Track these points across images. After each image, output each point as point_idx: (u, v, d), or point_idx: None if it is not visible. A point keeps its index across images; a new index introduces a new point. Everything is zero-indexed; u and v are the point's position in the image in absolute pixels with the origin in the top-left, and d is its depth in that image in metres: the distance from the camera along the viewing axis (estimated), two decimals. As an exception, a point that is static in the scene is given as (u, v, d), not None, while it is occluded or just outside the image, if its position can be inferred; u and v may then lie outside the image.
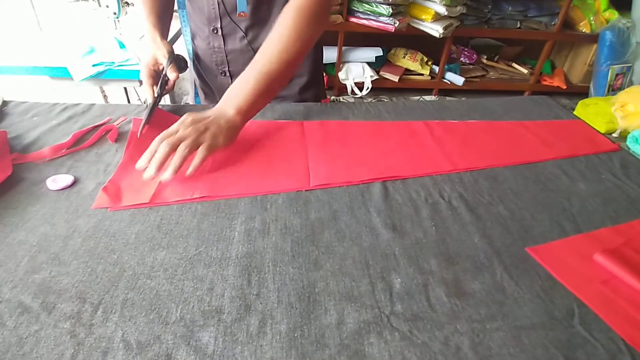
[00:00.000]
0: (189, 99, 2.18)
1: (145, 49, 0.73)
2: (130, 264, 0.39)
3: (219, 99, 0.60)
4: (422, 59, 2.32)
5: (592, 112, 1.94)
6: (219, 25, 0.75)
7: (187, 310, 0.35)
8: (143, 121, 0.60)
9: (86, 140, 0.59)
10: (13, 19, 1.71)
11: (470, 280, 0.40)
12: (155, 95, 0.67)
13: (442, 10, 1.92)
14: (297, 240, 0.43)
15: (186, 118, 0.54)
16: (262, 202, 0.49)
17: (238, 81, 0.59)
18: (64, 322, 0.34)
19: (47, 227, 0.43)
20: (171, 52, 0.71)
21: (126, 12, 1.33)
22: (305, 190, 0.51)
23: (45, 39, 1.33)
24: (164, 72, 0.69)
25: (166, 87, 0.70)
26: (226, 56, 0.79)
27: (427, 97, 2.39)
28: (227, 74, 0.82)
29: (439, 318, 0.36)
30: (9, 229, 0.43)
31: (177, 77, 0.70)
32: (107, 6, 1.25)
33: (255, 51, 0.62)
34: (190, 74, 0.90)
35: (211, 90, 0.89)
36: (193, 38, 0.83)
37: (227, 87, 0.61)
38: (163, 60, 0.70)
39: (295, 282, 0.38)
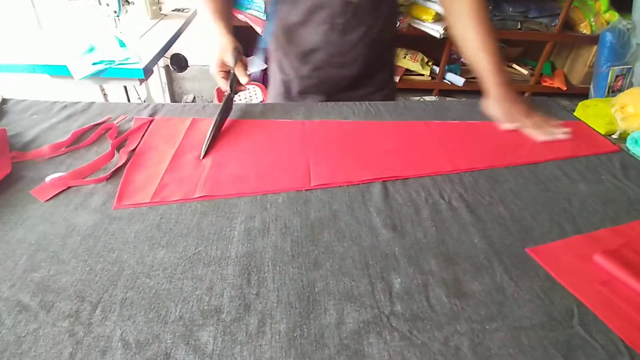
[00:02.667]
0: (189, 98, 2.18)
1: (213, 45, 0.72)
2: (129, 263, 0.39)
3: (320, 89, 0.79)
4: (422, 60, 2.31)
5: (592, 113, 1.93)
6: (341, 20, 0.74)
7: (186, 310, 0.35)
8: (215, 120, 0.61)
9: (86, 138, 0.59)
10: (13, 17, 1.70)
11: (470, 280, 0.40)
12: (227, 93, 0.68)
13: (443, 10, 1.92)
14: (297, 240, 0.43)
15: (525, 112, 0.67)
16: (262, 202, 0.49)
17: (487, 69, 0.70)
18: (62, 320, 0.34)
19: (46, 226, 0.43)
20: (237, 49, 0.71)
21: (126, 11, 1.32)
22: (305, 190, 0.51)
23: (45, 37, 1.32)
24: (232, 71, 0.69)
25: (236, 87, 0.70)
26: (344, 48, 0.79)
27: (428, 98, 2.39)
28: (339, 65, 0.81)
29: (439, 318, 0.36)
30: (7, 227, 0.43)
31: (249, 79, 0.71)
32: (108, 4, 1.24)
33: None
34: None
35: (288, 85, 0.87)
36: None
37: (335, 78, 0.79)
38: (229, 58, 0.70)
39: (295, 282, 0.38)
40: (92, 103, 0.69)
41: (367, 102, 0.74)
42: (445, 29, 1.97)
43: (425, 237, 0.45)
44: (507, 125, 0.67)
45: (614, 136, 1.87)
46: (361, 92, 0.86)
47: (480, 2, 0.71)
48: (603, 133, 1.05)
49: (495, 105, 0.69)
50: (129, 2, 1.33)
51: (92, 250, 0.41)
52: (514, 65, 2.47)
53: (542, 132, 0.65)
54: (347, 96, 0.82)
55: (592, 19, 2.23)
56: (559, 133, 0.65)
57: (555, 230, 0.47)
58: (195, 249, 0.41)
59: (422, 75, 2.35)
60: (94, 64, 1.13)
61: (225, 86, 0.69)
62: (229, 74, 0.70)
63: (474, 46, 0.71)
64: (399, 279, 0.39)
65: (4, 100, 0.67)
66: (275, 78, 0.90)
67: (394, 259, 0.42)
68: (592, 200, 0.52)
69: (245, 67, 0.72)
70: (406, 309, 0.36)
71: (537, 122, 0.66)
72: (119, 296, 0.36)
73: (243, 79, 0.69)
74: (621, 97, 1.93)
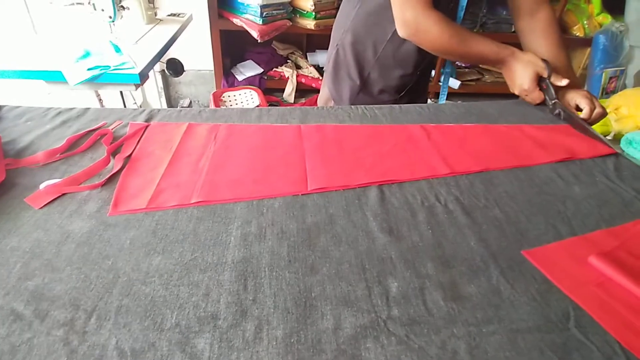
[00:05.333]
0: (185, 103, 2.18)
1: (518, 64, 0.76)
2: (124, 270, 0.39)
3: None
4: (417, 63, 2.33)
5: (586, 114, 1.96)
6: None
7: (182, 317, 0.35)
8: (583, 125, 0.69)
9: (81, 144, 0.58)
10: (8, 23, 1.70)
11: (466, 283, 0.40)
12: (554, 102, 0.73)
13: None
14: (293, 245, 0.43)
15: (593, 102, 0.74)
16: (259, 207, 0.48)
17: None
18: (57, 329, 0.33)
19: (40, 233, 0.43)
20: (544, 60, 0.75)
21: (122, 16, 1.32)
22: (302, 195, 0.51)
23: (41, 43, 1.32)
24: (548, 80, 0.73)
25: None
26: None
27: (423, 100, 2.40)
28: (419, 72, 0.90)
29: (436, 322, 0.36)
30: (1, 235, 0.42)
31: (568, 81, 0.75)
32: (103, 10, 1.24)
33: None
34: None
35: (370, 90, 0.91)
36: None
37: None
38: (542, 69, 0.74)
39: (292, 287, 0.38)
40: (87, 109, 0.68)
41: (362, 106, 0.74)
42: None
43: (421, 241, 0.45)
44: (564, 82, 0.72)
45: (608, 137, 1.89)
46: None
47: (554, 23, 0.80)
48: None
49: (576, 96, 0.75)
50: (124, 8, 1.33)
51: (87, 257, 0.40)
52: (509, 68, 2.49)
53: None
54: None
55: (585, 22, 2.25)
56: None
57: (550, 232, 0.47)
58: (192, 255, 0.41)
59: (418, 78, 2.36)
60: (89, 69, 1.12)
61: (546, 96, 0.74)
62: (542, 85, 0.74)
63: (551, 51, 0.78)
64: (395, 283, 0.39)
65: (-2, 107, 0.67)
66: (349, 76, 0.91)
67: (391, 262, 0.42)
68: (587, 202, 0.52)
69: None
70: (403, 313, 0.36)
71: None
72: (114, 304, 0.36)
73: (563, 82, 0.73)
74: (615, 99, 1.95)
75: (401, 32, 0.75)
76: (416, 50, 0.83)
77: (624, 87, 2.23)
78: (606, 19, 2.22)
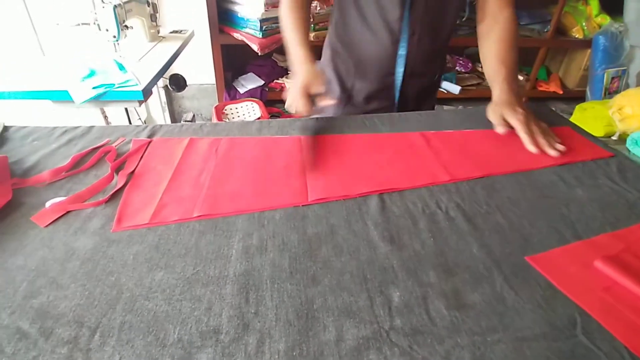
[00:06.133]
0: (188, 117, 2.20)
1: (297, 70, 0.73)
2: (128, 286, 0.39)
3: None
4: (418, 70, 2.34)
5: (589, 115, 1.94)
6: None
7: (184, 332, 0.35)
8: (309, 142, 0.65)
9: (85, 162, 0.59)
10: (16, 45, 1.74)
11: (469, 291, 0.40)
12: (311, 116, 0.71)
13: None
14: (294, 256, 0.43)
15: (522, 118, 0.66)
16: (260, 219, 0.49)
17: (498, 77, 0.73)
18: (61, 347, 0.33)
19: (45, 251, 0.43)
20: (327, 81, 0.75)
21: (125, 35, 1.35)
22: (302, 206, 0.51)
23: (47, 63, 1.35)
24: (317, 99, 0.70)
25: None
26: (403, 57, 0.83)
27: (425, 107, 2.40)
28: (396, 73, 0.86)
29: (439, 332, 0.35)
30: (7, 253, 0.43)
31: (334, 103, 0.75)
32: (107, 30, 1.27)
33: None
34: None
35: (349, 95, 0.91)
36: (346, 46, 0.87)
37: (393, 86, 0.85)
38: (319, 88, 0.70)
39: (294, 299, 0.38)
40: (92, 127, 0.70)
41: (362, 115, 0.74)
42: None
43: (423, 249, 0.45)
44: (499, 129, 0.67)
45: (613, 137, 1.87)
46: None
47: (513, 28, 0.77)
48: (602, 135, 1.03)
49: (495, 108, 0.70)
50: (127, 27, 1.36)
51: (91, 274, 0.41)
52: (510, 72, 2.49)
53: (533, 142, 0.63)
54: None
55: (583, 24, 2.25)
56: (551, 148, 0.62)
57: (554, 237, 0.47)
58: (194, 269, 0.42)
59: (419, 85, 2.37)
60: (94, 87, 1.15)
61: (306, 109, 0.69)
62: (310, 99, 0.70)
63: (494, 60, 0.75)
64: (397, 293, 0.39)
65: (5, 128, 0.69)
66: (332, 86, 0.92)
67: (393, 272, 0.41)
68: (591, 205, 0.52)
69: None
70: (406, 323, 0.36)
71: (532, 130, 0.65)
72: (118, 320, 0.36)
73: (328, 102, 0.71)
74: (618, 99, 1.94)
75: None
76: (382, 52, 0.81)
77: (627, 86, 2.21)
78: (605, 19, 2.22)
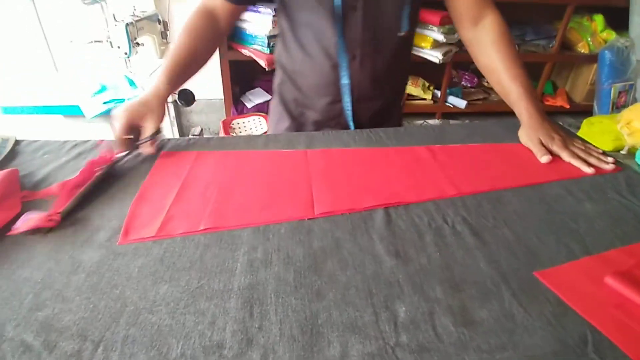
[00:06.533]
0: (196, 131, 2.23)
1: (145, 91, 0.66)
2: (132, 299, 0.39)
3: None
4: (423, 84, 2.36)
5: (597, 130, 1.93)
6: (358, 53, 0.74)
7: (188, 346, 0.35)
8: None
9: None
10: (30, 61, 1.80)
11: (477, 307, 0.39)
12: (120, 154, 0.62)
13: (441, 37, 1.97)
14: (299, 270, 0.43)
15: (562, 143, 0.64)
16: (265, 232, 0.49)
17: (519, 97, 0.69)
18: (64, 360, 0.33)
19: (52, 263, 0.44)
20: (159, 129, 0.66)
21: (136, 52, 1.39)
22: (308, 219, 0.51)
23: (60, 79, 1.39)
24: (140, 141, 0.64)
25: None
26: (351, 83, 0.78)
27: (431, 121, 2.41)
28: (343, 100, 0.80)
29: (446, 349, 0.35)
30: (15, 265, 0.43)
31: (152, 153, 0.65)
32: (119, 47, 1.31)
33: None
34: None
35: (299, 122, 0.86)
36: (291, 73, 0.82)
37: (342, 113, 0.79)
38: (149, 131, 0.63)
39: (298, 314, 0.38)
40: (101, 141, 0.71)
41: (367, 130, 0.75)
42: (444, 55, 2.02)
43: (429, 263, 0.44)
44: (544, 159, 0.63)
45: (622, 152, 1.85)
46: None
47: (504, 30, 0.71)
48: (611, 149, 1.03)
49: (530, 134, 0.66)
50: (139, 44, 1.39)
51: (96, 286, 0.41)
52: (516, 86, 2.50)
53: (586, 164, 0.61)
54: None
55: (589, 39, 2.27)
56: (604, 163, 0.62)
57: (563, 252, 0.46)
58: (198, 282, 0.41)
59: (424, 99, 2.39)
60: (104, 102, 1.17)
61: (120, 142, 0.61)
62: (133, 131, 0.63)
63: (503, 77, 0.70)
64: (403, 308, 0.38)
65: (17, 142, 0.70)
66: (281, 115, 0.88)
67: (398, 286, 0.41)
68: (600, 219, 0.51)
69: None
70: (412, 339, 0.35)
71: (577, 152, 0.63)
72: (121, 334, 0.36)
73: (147, 150, 0.64)
74: (626, 113, 1.93)
75: None
76: (323, 80, 0.77)
77: (634, 101, 2.20)
78: (610, 35, 2.23)
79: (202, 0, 0.71)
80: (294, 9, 0.72)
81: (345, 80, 0.76)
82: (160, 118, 0.65)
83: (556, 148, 0.64)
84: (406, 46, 0.81)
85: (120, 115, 0.62)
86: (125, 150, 0.63)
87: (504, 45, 0.70)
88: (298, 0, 0.70)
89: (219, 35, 0.76)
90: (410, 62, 0.88)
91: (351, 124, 0.83)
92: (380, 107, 0.84)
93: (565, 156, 0.63)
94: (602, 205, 0.54)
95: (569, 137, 0.66)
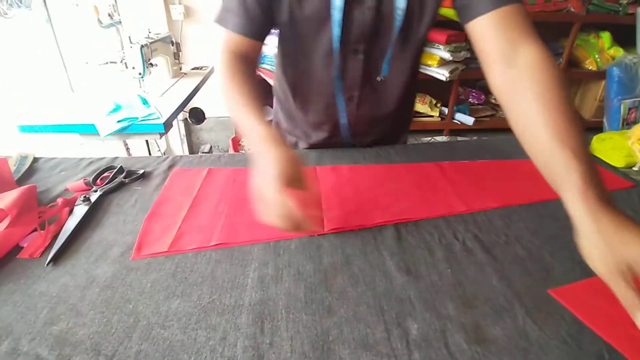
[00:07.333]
0: (206, 148, 2.26)
1: (264, 157, 0.47)
2: (144, 314, 0.40)
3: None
4: (430, 102, 2.38)
5: (609, 146, 1.91)
6: (356, 94, 0.71)
7: (199, 362, 0.35)
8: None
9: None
10: (48, 82, 1.87)
11: (490, 325, 0.38)
12: None
13: (447, 55, 2.00)
14: (310, 286, 0.43)
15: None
16: (275, 248, 0.49)
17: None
18: (78, 375, 0.34)
19: (67, 278, 0.44)
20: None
21: (150, 72, 1.43)
22: (318, 235, 0.51)
23: (76, 99, 1.43)
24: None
25: None
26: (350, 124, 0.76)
27: (439, 138, 2.42)
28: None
29: (460, 367, 0.34)
30: (31, 280, 0.44)
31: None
32: (133, 67, 1.35)
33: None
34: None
35: None
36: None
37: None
38: (300, 181, 0.48)
39: (309, 330, 0.38)
40: (116, 158, 0.73)
41: (376, 147, 0.75)
42: (451, 72, 2.04)
43: (440, 280, 0.44)
44: (637, 318, 0.34)
45: (635, 168, 1.82)
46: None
47: (551, 70, 0.47)
48: (622, 166, 1.04)
49: (605, 253, 0.36)
50: (152, 65, 1.44)
51: (110, 301, 0.41)
52: (523, 103, 2.50)
53: None
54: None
55: (596, 56, 2.27)
56: None
57: (577, 269, 0.45)
58: (210, 297, 0.42)
59: (432, 116, 2.40)
60: (118, 121, 1.20)
61: (295, 220, 0.44)
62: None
63: (552, 143, 0.43)
64: (415, 325, 0.38)
65: (35, 159, 0.72)
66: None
67: (410, 303, 0.41)
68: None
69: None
70: (424, 357, 0.35)
71: None
72: (134, 349, 0.36)
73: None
74: (637, 130, 1.90)
75: None
76: (321, 119, 0.75)
77: (645, 117, 2.19)
78: (618, 52, 2.24)
79: (224, 48, 0.63)
80: (294, 41, 0.68)
81: (342, 120, 0.75)
82: (298, 159, 0.48)
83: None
84: (409, 89, 0.74)
85: (275, 189, 0.44)
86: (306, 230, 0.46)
87: (550, 92, 0.46)
88: (299, 31, 0.65)
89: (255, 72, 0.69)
90: (415, 101, 0.85)
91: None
92: (385, 135, 0.82)
93: None
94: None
95: None
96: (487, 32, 0.53)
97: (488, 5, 0.52)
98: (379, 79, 0.70)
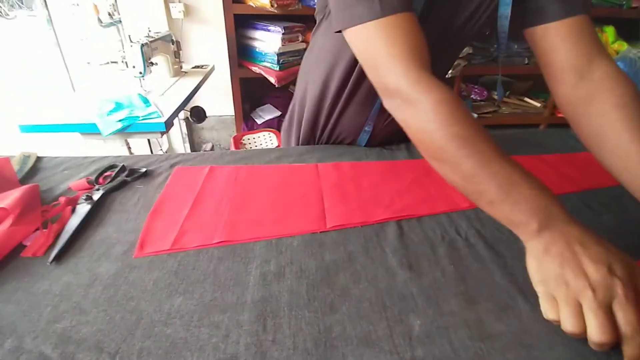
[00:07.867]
0: (207, 147, 2.27)
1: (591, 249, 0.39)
2: (147, 311, 0.40)
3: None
4: (433, 98, 2.37)
5: (612, 141, 1.91)
6: None
7: (202, 359, 0.35)
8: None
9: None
10: (49, 82, 1.87)
11: (494, 321, 0.38)
12: None
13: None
14: (312, 284, 0.43)
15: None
16: (277, 246, 0.49)
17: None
18: (81, 373, 0.34)
19: (70, 276, 0.45)
20: None
21: (150, 71, 1.43)
22: (320, 232, 0.51)
23: (78, 99, 1.44)
24: None
25: None
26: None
27: (441, 135, 2.41)
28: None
29: (463, 363, 0.34)
30: (34, 279, 0.44)
31: None
32: (134, 67, 1.35)
33: None
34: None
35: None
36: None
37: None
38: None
39: (311, 327, 0.38)
40: (118, 157, 0.73)
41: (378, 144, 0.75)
42: (453, 69, 2.03)
43: (443, 276, 0.44)
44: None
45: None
46: None
47: (630, 88, 0.47)
48: None
49: None
50: (153, 64, 1.44)
51: (113, 299, 0.41)
52: (526, 99, 2.49)
53: None
54: None
55: (600, 50, 2.25)
56: None
57: (581, 264, 0.45)
58: (212, 295, 0.42)
59: (434, 113, 2.39)
60: (119, 120, 1.21)
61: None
62: None
63: (635, 154, 0.43)
64: (418, 321, 0.38)
65: (39, 158, 0.72)
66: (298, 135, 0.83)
67: (412, 300, 0.41)
68: (620, 231, 0.50)
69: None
70: (427, 353, 0.35)
71: None
72: (137, 346, 0.36)
73: None
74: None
75: (386, 105, 0.52)
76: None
77: (650, 111, 2.17)
78: (622, 46, 2.22)
79: (427, 96, 0.45)
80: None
81: (367, 127, 0.74)
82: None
83: None
84: None
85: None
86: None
87: (633, 110, 0.45)
88: None
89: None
90: None
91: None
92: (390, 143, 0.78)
93: None
94: (622, 217, 0.53)
95: None
96: (557, 41, 0.51)
97: (559, 13, 0.50)
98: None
